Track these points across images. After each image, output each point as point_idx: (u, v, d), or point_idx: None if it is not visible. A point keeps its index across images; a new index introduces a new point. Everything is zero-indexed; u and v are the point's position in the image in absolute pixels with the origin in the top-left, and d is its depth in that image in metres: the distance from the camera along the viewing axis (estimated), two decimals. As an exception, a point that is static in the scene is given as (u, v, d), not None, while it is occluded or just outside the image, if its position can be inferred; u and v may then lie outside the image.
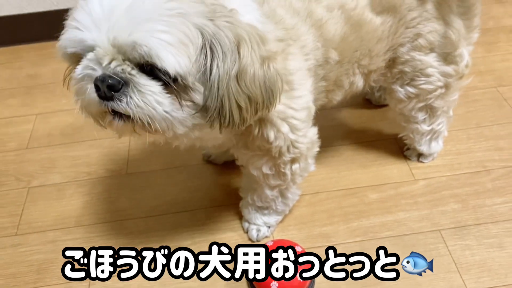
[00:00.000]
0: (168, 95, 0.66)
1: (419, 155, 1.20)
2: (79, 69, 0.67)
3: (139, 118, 0.66)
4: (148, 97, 0.65)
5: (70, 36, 0.65)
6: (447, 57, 0.98)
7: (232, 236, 1.08)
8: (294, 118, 0.83)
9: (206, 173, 1.23)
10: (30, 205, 1.18)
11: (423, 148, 1.16)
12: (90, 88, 0.67)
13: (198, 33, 0.63)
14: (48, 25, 1.67)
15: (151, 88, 0.65)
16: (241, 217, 1.10)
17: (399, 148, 1.24)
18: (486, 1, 1.64)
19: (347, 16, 0.86)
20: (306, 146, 0.88)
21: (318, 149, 0.95)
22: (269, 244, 0.98)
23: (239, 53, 0.65)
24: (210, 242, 1.05)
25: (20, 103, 1.48)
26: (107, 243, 1.09)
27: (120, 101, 0.65)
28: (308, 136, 0.89)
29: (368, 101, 1.37)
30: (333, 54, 0.87)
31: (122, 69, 0.64)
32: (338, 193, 1.15)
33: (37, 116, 1.44)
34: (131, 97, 0.65)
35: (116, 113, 0.68)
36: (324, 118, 1.15)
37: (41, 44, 1.71)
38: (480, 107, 1.33)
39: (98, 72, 0.65)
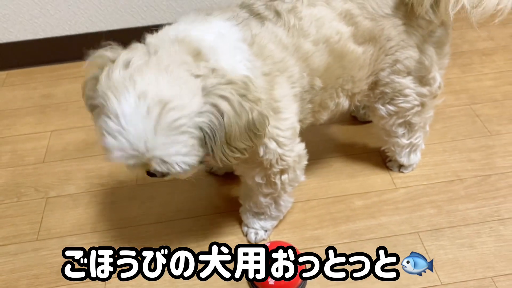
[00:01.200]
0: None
1: (400, 166, 1.33)
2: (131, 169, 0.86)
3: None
4: (186, 174, 0.87)
5: (117, 160, 0.82)
6: (422, 80, 1.12)
7: (233, 239, 1.21)
8: (280, 136, 0.96)
9: (209, 183, 1.35)
10: (48, 214, 1.30)
11: (403, 159, 1.29)
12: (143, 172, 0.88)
13: (199, 131, 0.81)
14: (60, 49, 1.82)
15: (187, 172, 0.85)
16: (241, 222, 1.23)
17: (382, 160, 1.37)
18: (461, 27, 1.79)
19: (331, 49, 0.99)
20: (293, 159, 1.01)
21: (306, 162, 1.07)
22: (268, 244, 1.10)
23: (224, 124, 0.81)
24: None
25: (36, 121, 1.60)
26: (120, 247, 1.20)
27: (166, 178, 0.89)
28: (295, 151, 1.01)
29: (354, 118, 1.51)
30: (317, 82, 1.00)
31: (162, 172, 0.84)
32: (328, 200, 1.28)
33: (52, 132, 1.56)
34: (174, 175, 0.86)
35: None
36: (315, 133, 1.29)
37: (53, 67, 1.83)
38: (455, 123, 1.47)
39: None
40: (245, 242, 1.20)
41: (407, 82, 1.12)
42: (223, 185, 1.34)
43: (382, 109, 1.17)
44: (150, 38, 0.90)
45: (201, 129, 0.80)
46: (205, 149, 0.83)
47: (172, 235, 1.23)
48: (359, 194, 1.29)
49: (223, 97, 0.80)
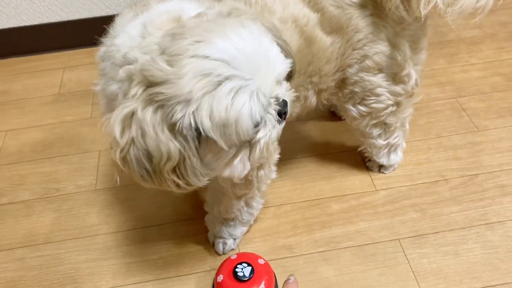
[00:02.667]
0: None
1: (380, 167, 1.23)
2: None
3: None
4: None
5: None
6: (395, 77, 1.02)
7: (198, 250, 1.11)
8: None
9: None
10: (-2, 223, 1.19)
11: (382, 160, 1.20)
12: None
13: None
14: (18, 41, 1.69)
15: None
16: (207, 231, 1.13)
17: (362, 159, 1.28)
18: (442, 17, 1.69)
19: (301, 30, 0.89)
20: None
21: (278, 156, 0.99)
22: (233, 257, 1.01)
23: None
24: (177, 256, 1.09)
25: (-11, 120, 1.48)
26: (76, 259, 1.10)
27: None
28: None
29: (332, 113, 1.41)
30: None
31: None
32: (302, 205, 1.18)
33: (7, 132, 1.44)
34: None
35: None
36: (289, 131, 1.17)
37: (11, 60, 1.71)
38: (440, 118, 1.38)
39: None
40: (212, 253, 1.10)
41: (378, 80, 1.02)
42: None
43: (353, 110, 1.07)
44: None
45: None
46: None
47: (132, 245, 1.12)
48: (336, 197, 1.19)
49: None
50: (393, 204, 1.17)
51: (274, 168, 1.00)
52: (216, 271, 1.02)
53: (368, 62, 0.98)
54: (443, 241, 1.09)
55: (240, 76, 0.65)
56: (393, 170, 1.24)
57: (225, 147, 0.68)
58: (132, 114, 0.66)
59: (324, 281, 1.03)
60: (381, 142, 1.14)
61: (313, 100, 1.01)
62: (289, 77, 0.77)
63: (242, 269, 0.97)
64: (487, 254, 1.05)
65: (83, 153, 1.35)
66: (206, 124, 0.64)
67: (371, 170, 1.25)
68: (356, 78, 1.00)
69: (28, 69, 1.68)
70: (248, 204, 1.04)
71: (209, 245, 1.11)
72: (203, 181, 0.72)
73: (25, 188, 1.27)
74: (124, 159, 0.68)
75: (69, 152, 1.36)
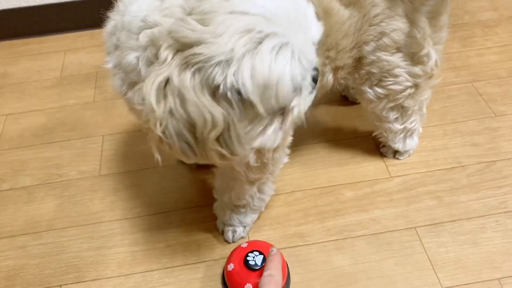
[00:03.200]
0: None
1: (395, 152, 1.19)
2: None
3: None
4: None
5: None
6: (414, 57, 0.97)
7: (207, 238, 1.07)
8: None
9: (180, 174, 1.20)
10: (-1, 210, 1.15)
11: (398, 145, 1.15)
12: None
13: None
14: (18, 23, 1.64)
15: None
16: (215, 218, 1.09)
17: (375, 145, 1.23)
18: (462, -5, 1.65)
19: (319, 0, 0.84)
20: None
21: (291, 137, 0.94)
22: (244, 246, 0.97)
23: None
24: (184, 244, 1.05)
25: (-11, 104, 1.44)
26: (79, 247, 1.06)
27: None
28: None
29: (344, 97, 1.36)
30: None
31: None
32: (314, 192, 1.14)
33: (7, 117, 1.40)
34: None
35: None
36: (299, 116, 1.14)
37: (11, 42, 1.66)
38: (456, 103, 1.33)
39: None
40: (221, 241, 1.06)
41: (397, 60, 0.97)
42: (196, 176, 1.19)
43: (370, 92, 1.02)
44: None
45: None
46: None
47: (138, 233, 1.08)
48: (349, 184, 1.15)
49: None
50: (408, 192, 1.13)
51: (287, 151, 0.96)
52: (226, 259, 0.98)
53: (385, 40, 0.93)
54: (460, 229, 1.05)
55: (282, 33, 0.60)
56: (408, 156, 1.20)
57: (263, 112, 0.62)
58: (166, 82, 0.60)
59: (338, 270, 0.99)
60: (397, 126, 1.09)
61: (329, 77, 0.96)
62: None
63: (253, 257, 0.93)
64: (508, 243, 1.02)
65: (86, 138, 1.31)
66: (248, 86, 0.59)
67: (385, 156, 1.21)
68: (373, 57, 0.96)
69: (28, 52, 1.63)
70: (260, 190, 1.00)
71: (218, 233, 1.07)
72: (247, 150, 0.67)
73: (27, 174, 1.23)
74: (163, 134, 0.62)
75: (71, 137, 1.31)
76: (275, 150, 0.90)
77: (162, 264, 1.02)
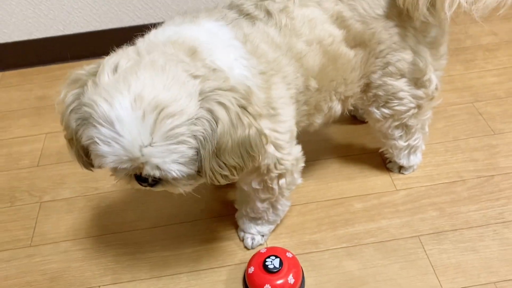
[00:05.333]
0: (188, 176, 0.81)
1: (400, 167, 1.30)
2: (120, 173, 0.83)
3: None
4: (179, 185, 0.83)
5: (111, 165, 0.78)
6: (417, 82, 1.08)
7: (229, 245, 1.18)
8: (279, 140, 0.92)
9: (205, 187, 1.31)
10: (42, 219, 1.28)
11: (402, 161, 1.26)
12: (132, 180, 0.84)
13: (193, 141, 0.76)
14: (55, 49, 1.80)
15: (180, 181, 0.81)
16: (237, 227, 1.20)
17: (382, 161, 1.34)
18: (464, 21, 1.75)
19: (325, 50, 0.96)
20: (291, 163, 0.98)
21: (303, 164, 1.04)
22: (263, 251, 1.08)
23: (217, 133, 0.76)
24: (209, 250, 1.16)
25: (31, 123, 1.58)
26: (116, 252, 1.18)
27: (156, 187, 0.84)
28: (292, 154, 0.98)
29: (353, 117, 1.47)
30: (312, 83, 0.97)
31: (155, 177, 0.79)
32: (326, 203, 1.25)
33: (47, 135, 1.54)
34: (165, 186, 0.84)
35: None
36: (313, 133, 1.25)
37: (48, 67, 1.81)
38: (457, 122, 1.44)
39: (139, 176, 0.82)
40: (242, 248, 1.17)
41: (401, 85, 1.08)
42: (219, 189, 1.31)
43: (377, 112, 1.13)
44: (138, 42, 0.86)
45: (195, 138, 0.75)
46: (197, 162, 0.78)
47: (167, 240, 1.20)
48: (359, 196, 1.26)
49: (221, 104, 0.76)
50: (413, 203, 1.23)
51: (297, 175, 1.04)
52: (246, 263, 1.09)
53: (391, 68, 1.05)
54: (461, 238, 1.14)
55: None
56: (413, 171, 1.30)
57: None
58: None
59: (348, 274, 1.10)
60: (402, 143, 1.20)
61: (338, 108, 1.08)
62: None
63: (271, 261, 1.04)
64: (504, 251, 1.11)
65: (119, 155, 1.44)
66: None
67: (391, 171, 1.31)
68: (379, 82, 1.07)
69: (63, 76, 1.74)
70: (273, 207, 1.11)
71: (239, 240, 1.19)
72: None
73: (66, 187, 1.36)
74: None
75: (105, 154, 1.45)
76: (279, 177, 0.99)
77: (189, 268, 1.14)
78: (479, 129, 1.40)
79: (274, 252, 1.07)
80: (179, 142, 0.74)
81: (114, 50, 0.85)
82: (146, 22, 1.75)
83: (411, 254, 1.12)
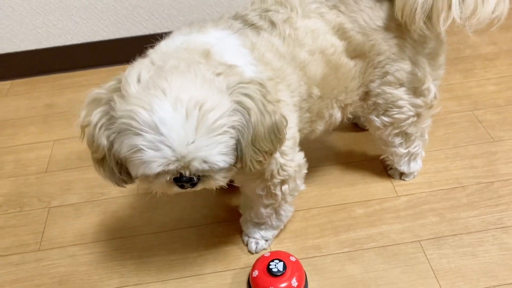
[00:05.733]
0: (227, 169, 0.84)
1: (401, 174, 1.32)
2: (163, 179, 0.82)
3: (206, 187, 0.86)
4: (219, 179, 0.85)
5: (158, 170, 0.77)
6: (416, 91, 1.11)
7: (233, 249, 1.21)
8: (283, 145, 0.94)
9: (209, 192, 1.33)
10: (50, 223, 1.31)
11: (403, 168, 1.28)
12: (172, 185, 0.84)
13: (234, 131, 0.79)
14: (63, 58, 1.84)
15: (221, 174, 0.84)
16: (241, 232, 1.22)
17: (383, 167, 1.37)
18: (463, 31, 1.78)
19: (327, 60, 0.99)
20: (293, 169, 1.01)
21: (306, 171, 1.07)
22: (267, 255, 1.10)
23: (251, 122, 0.79)
24: (214, 254, 1.19)
25: (39, 131, 1.61)
26: (122, 257, 1.21)
27: (197, 186, 0.85)
28: (295, 160, 1.01)
29: (354, 124, 1.50)
30: (315, 90, 1.00)
31: (199, 172, 0.81)
32: (329, 209, 1.28)
33: (55, 142, 1.57)
34: (206, 182, 0.84)
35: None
36: (315, 140, 1.28)
37: (56, 76, 1.85)
38: (457, 129, 1.46)
39: (183, 177, 0.81)
40: (246, 252, 1.19)
41: (400, 93, 1.11)
42: (223, 195, 1.34)
43: (377, 120, 1.16)
44: (150, 53, 0.89)
45: (234, 128, 0.78)
46: (237, 152, 0.81)
47: (173, 244, 1.23)
48: (360, 202, 1.28)
49: (248, 95, 0.79)
50: (413, 209, 1.25)
51: (300, 182, 1.07)
52: (251, 267, 1.11)
53: (389, 78, 1.08)
54: (461, 243, 1.17)
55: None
56: (413, 177, 1.33)
57: None
58: None
59: (350, 278, 1.12)
60: (402, 150, 1.23)
61: (338, 116, 1.11)
62: None
63: (275, 265, 1.06)
64: (503, 255, 1.13)
65: (125, 161, 1.47)
66: None
67: (392, 177, 1.34)
68: (378, 90, 1.10)
69: (71, 84, 1.81)
70: (276, 212, 1.13)
71: (243, 245, 1.21)
72: None
73: (73, 193, 1.39)
74: None
75: (112, 160, 1.48)
76: (282, 183, 1.02)
77: (194, 272, 1.16)
78: (478, 136, 1.43)
79: (278, 256, 1.09)
80: (222, 133, 0.77)
81: (124, 59, 0.88)
82: (152, 32, 1.79)
83: (412, 258, 1.14)
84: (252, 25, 0.96)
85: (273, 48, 0.94)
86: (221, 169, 0.81)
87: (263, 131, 0.81)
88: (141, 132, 0.74)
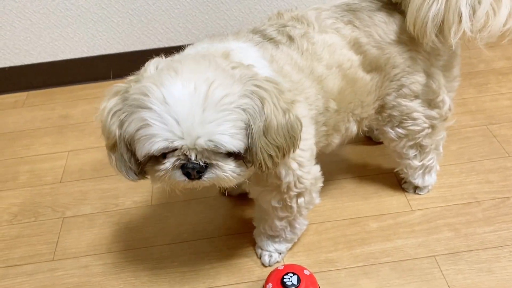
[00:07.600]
0: (236, 162, 0.83)
1: (415, 188, 1.31)
2: (168, 162, 0.81)
3: (214, 181, 0.84)
4: (228, 171, 0.82)
5: (162, 145, 0.77)
6: (431, 103, 1.11)
7: (246, 262, 1.20)
8: (301, 157, 0.96)
9: (222, 204, 1.35)
10: (65, 233, 1.31)
11: (417, 181, 1.28)
12: (178, 173, 0.82)
13: (243, 113, 0.78)
14: (79, 70, 1.87)
15: (229, 164, 0.82)
16: (254, 244, 1.22)
17: (398, 181, 1.36)
18: (476, 46, 1.78)
19: (344, 74, 1.00)
20: (310, 182, 1.01)
21: (321, 184, 1.07)
22: (280, 268, 1.10)
23: (264, 111, 0.79)
24: (227, 266, 1.18)
25: (54, 141, 1.63)
26: (135, 268, 1.21)
27: (204, 176, 0.82)
28: (312, 173, 1.01)
29: (368, 138, 1.50)
30: (332, 104, 1.01)
31: (207, 157, 0.80)
32: (343, 223, 1.27)
33: (69, 153, 1.59)
34: (213, 172, 0.82)
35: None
36: (329, 154, 1.28)
37: (71, 87, 1.87)
38: (472, 144, 1.46)
39: (189, 163, 0.80)
40: (259, 265, 1.19)
41: (415, 106, 1.12)
42: (237, 207, 1.34)
43: (392, 132, 1.17)
44: (171, 57, 0.91)
45: (245, 111, 0.78)
46: (247, 140, 0.80)
47: (186, 256, 1.23)
48: (374, 216, 1.28)
49: (262, 87, 0.80)
50: (428, 224, 1.24)
51: (315, 195, 1.07)
52: (264, 280, 1.11)
53: (405, 90, 1.09)
54: (477, 258, 1.15)
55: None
56: (428, 191, 1.32)
57: None
58: None
59: (364, 293, 1.11)
60: (416, 163, 1.23)
61: (353, 129, 1.12)
62: None
63: (289, 278, 1.06)
64: (520, 272, 1.12)
65: (139, 172, 1.48)
66: None
67: (406, 191, 1.33)
68: (394, 103, 1.11)
69: (85, 96, 1.84)
70: (291, 225, 1.13)
71: (256, 258, 1.21)
72: None
73: (87, 203, 1.40)
74: None
75: (126, 171, 1.49)
76: (298, 195, 1.02)
77: (207, 284, 1.16)
78: (493, 151, 1.42)
79: (291, 269, 1.08)
80: (229, 110, 0.77)
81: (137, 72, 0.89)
82: (167, 45, 1.81)
83: (427, 274, 1.13)
84: (271, 39, 0.98)
85: (292, 61, 0.96)
86: (229, 157, 0.81)
87: (276, 124, 0.81)
88: (149, 105, 0.76)
